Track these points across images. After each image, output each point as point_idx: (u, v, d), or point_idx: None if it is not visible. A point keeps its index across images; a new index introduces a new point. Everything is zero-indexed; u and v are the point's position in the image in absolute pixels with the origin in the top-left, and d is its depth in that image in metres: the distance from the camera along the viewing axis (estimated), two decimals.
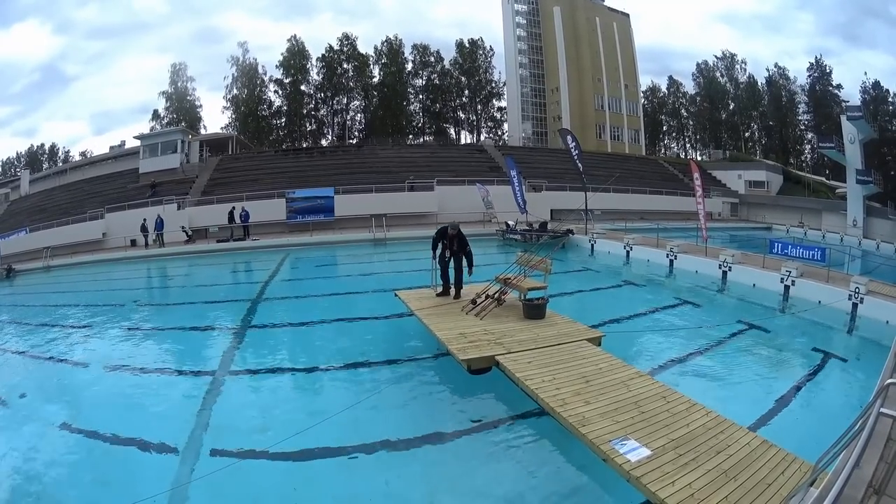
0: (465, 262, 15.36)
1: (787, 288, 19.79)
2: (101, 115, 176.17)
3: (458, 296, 15.33)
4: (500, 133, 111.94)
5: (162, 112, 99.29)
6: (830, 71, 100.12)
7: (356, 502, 7.74)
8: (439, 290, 15.64)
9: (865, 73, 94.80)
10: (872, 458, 5.37)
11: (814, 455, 5.49)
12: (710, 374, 12.42)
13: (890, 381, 5.36)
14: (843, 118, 53.47)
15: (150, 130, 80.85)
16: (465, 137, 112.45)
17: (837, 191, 64.76)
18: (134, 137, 66.80)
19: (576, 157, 41.65)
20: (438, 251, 15.64)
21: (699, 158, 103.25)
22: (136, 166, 61.93)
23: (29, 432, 10.26)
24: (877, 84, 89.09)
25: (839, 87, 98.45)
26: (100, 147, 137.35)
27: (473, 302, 14.10)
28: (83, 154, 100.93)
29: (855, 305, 17.14)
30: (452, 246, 15.27)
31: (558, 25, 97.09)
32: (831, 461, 5.12)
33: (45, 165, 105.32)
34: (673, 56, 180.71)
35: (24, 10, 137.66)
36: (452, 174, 57.20)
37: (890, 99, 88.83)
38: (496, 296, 14.35)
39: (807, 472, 5.80)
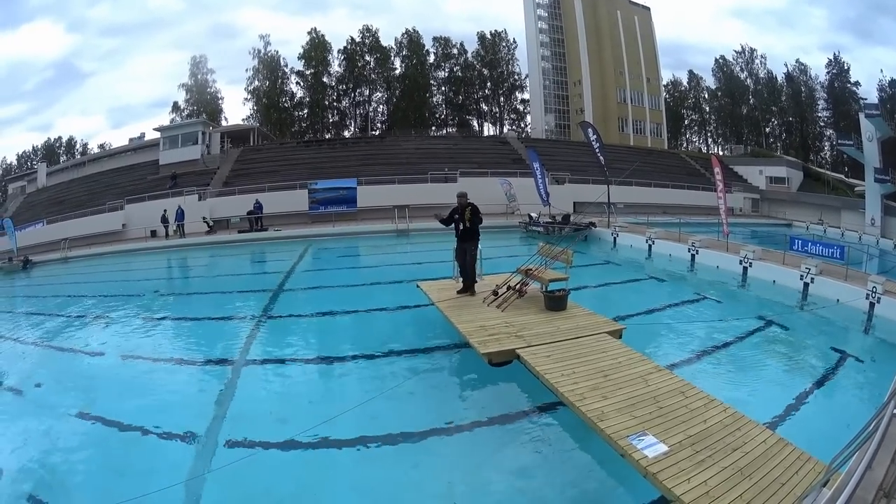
0: (477, 250, 15.36)
1: (806, 285, 19.70)
2: (118, 110, 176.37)
3: (472, 291, 15.20)
4: (522, 125, 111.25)
5: (182, 104, 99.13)
6: (848, 68, 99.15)
7: (374, 493, 7.80)
8: (460, 285, 15.54)
9: (882, 71, 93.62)
10: (885, 460, 5.36)
11: (828, 455, 5.53)
12: (728, 370, 12.42)
13: None
14: (861, 116, 52.76)
15: (170, 122, 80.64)
16: (488, 129, 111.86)
17: (856, 189, 63.97)
18: (154, 129, 66.89)
19: (597, 150, 41.73)
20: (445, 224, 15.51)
21: (721, 153, 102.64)
22: (155, 158, 62.11)
23: (47, 421, 10.39)
24: (894, 82, 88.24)
25: (857, 84, 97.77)
26: (118, 140, 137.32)
27: (495, 293, 14.18)
28: (102, 147, 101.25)
29: (872, 305, 17.04)
30: (463, 219, 15.01)
31: (580, 18, 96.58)
32: (844, 462, 5.12)
33: (62, 159, 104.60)
34: (688, 50, 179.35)
35: (35, 9, 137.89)
36: (475, 165, 57.17)
37: None
38: (518, 287, 14.38)
39: (820, 472, 5.79)
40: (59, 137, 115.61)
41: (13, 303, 25.84)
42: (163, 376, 12.92)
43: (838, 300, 17.95)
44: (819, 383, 11.62)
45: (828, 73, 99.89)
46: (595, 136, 42.48)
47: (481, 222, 15.19)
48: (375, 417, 9.66)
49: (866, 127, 51.14)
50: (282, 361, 13.55)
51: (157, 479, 7.73)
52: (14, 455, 9.07)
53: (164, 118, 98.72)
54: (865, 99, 72.36)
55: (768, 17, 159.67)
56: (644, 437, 7.09)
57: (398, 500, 7.65)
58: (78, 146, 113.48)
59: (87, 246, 42.18)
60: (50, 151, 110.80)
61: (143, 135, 75.56)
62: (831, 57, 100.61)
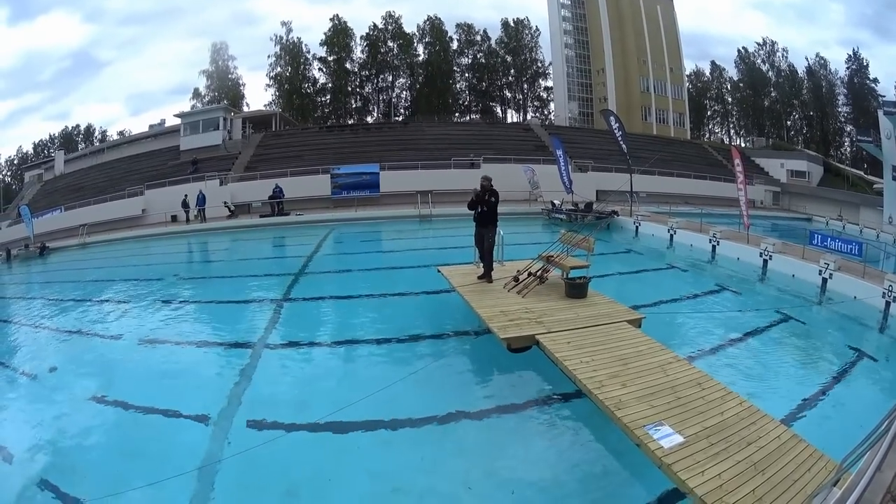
0: (496, 236, 15.36)
1: (824, 280, 19.65)
2: (137, 97, 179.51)
3: (489, 278, 15.14)
4: (546, 112, 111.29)
5: (203, 90, 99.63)
6: (867, 64, 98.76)
7: (391, 477, 7.87)
8: (481, 270, 15.56)
9: None
10: (894, 462, 5.42)
11: (839, 453, 5.57)
12: (745, 363, 12.41)
13: None
14: (880, 113, 52.37)
15: (191, 109, 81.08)
16: (512, 116, 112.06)
17: (875, 186, 63.60)
18: (174, 115, 67.08)
19: (619, 139, 41.78)
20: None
21: (742, 145, 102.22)
22: (176, 144, 62.61)
23: (65, 407, 10.55)
24: None
25: (875, 81, 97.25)
26: (137, 127, 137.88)
27: (516, 279, 14.24)
28: (121, 133, 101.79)
29: (888, 304, 16.91)
30: (487, 202, 14.97)
31: (602, 6, 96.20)
32: (855, 462, 5.14)
33: (80, 146, 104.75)
34: (710, 41, 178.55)
35: (51, 1, 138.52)
36: (499, 152, 56.97)
37: None
38: (539, 273, 14.41)
39: (832, 471, 5.81)
40: (77, 125, 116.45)
41: (29, 289, 26.16)
42: (182, 360, 13.12)
43: (855, 297, 17.90)
44: (834, 380, 11.60)
45: (847, 68, 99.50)
46: (618, 125, 42.47)
47: (497, 203, 15.16)
48: (393, 402, 9.74)
49: (885, 124, 50.78)
50: (302, 345, 13.68)
51: (173, 462, 7.86)
52: (29, 438, 9.24)
53: (185, 105, 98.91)
54: (884, 96, 71.83)
55: (788, 10, 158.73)
56: (661, 427, 7.12)
57: (413, 484, 7.71)
58: (97, 134, 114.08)
59: (106, 231, 42.59)
60: (67, 140, 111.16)
61: (163, 121, 75.98)
62: (850, 52, 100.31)
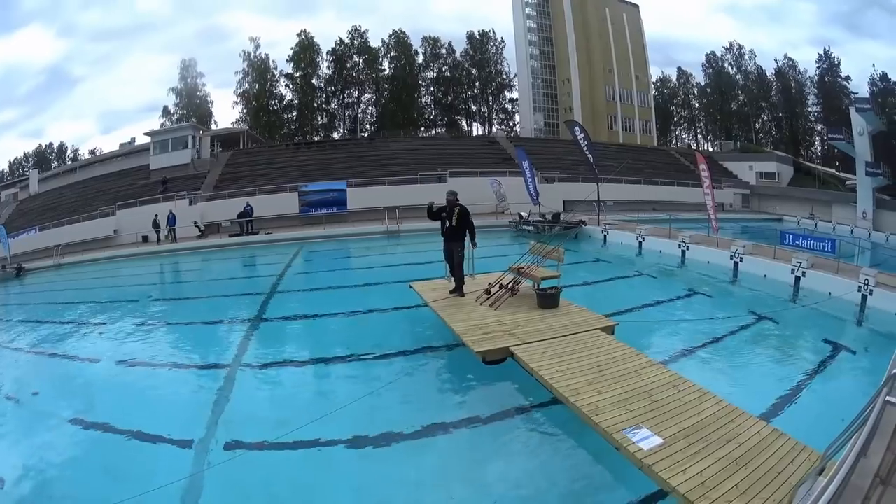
0: (465, 250, 15.30)
1: (797, 279, 19.82)
2: (108, 115, 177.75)
3: (460, 292, 15.16)
4: (511, 124, 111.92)
5: (172, 108, 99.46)
6: (839, 63, 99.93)
7: (371, 492, 7.83)
8: (452, 285, 15.54)
9: (874, 66, 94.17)
10: (880, 448, 5.41)
11: (822, 445, 5.56)
12: (721, 364, 12.50)
13: None
14: (852, 110, 53.21)
15: (161, 127, 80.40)
16: (477, 129, 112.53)
17: (847, 183, 64.52)
18: (144, 134, 67.07)
19: (585, 148, 41.85)
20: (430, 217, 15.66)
21: (710, 149, 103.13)
22: (146, 163, 62.13)
23: (43, 428, 10.39)
24: (885, 76, 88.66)
25: (847, 78, 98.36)
26: (108, 145, 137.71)
27: (487, 292, 14.22)
28: (93, 152, 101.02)
29: (864, 297, 17.14)
30: (451, 218, 15.07)
31: (568, 16, 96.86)
32: (839, 450, 5.17)
33: (53, 164, 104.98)
34: (676, 47, 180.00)
35: (28, 15, 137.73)
36: (465, 166, 57.15)
37: None
38: (510, 285, 14.42)
39: (815, 461, 5.86)
40: (51, 143, 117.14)
41: (8, 311, 25.80)
42: (159, 381, 12.93)
43: (830, 293, 18.09)
44: (812, 375, 11.68)
45: (818, 67, 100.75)
46: (583, 135, 42.62)
47: (470, 226, 15.25)
48: (371, 417, 9.71)
49: (857, 121, 51.65)
50: (277, 364, 13.53)
51: (156, 483, 7.73)
52: (12, 463, 9.07)
53: (155, 122, 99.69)
54: (856, 93, 72.95)
55: (759, 13, 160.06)
56: (639, 430, 7.16)
57: (395, 499, 7.68)
58: (69, 152, 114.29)
59: (80, 252, 42.32)
60: (42, 158, 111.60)
61: (133, 140, 76.13)
62: (821, 52, 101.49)
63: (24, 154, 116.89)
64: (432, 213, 15.49)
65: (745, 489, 5.83)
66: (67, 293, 28.52)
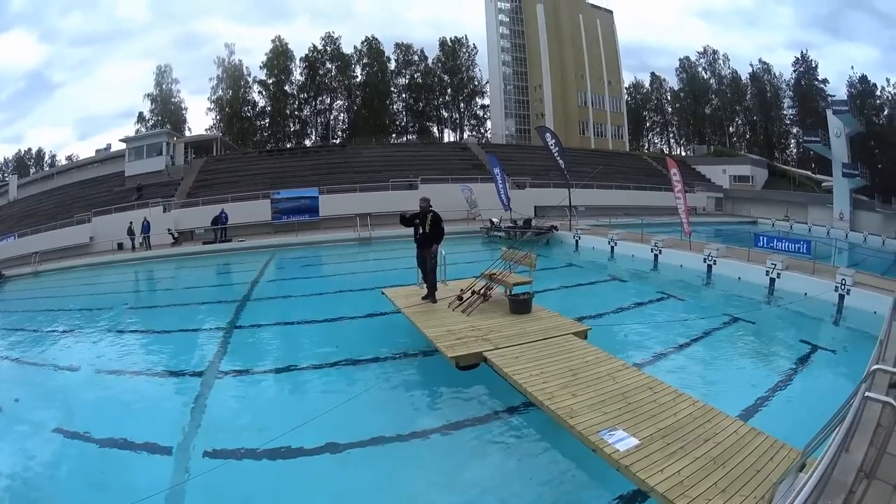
0: (434, 256, 15.27)
1: (772, 280, 19.94)
2: (85, 121, 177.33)
3: (433, 298, 15.13)
4: (483, 131, 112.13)
5: (147, 114, 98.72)
6: (816, 65, 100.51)
7: (349, 498, 7.80)
8: (424, 291, 15.53)
9: (853, 68, 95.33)
10: (862, 443, 5.41)
11: (804, 443, 5.52)
12: (696, 366, 12.57)
13: (876, 366, 5.41)
14: (829, 112, 53.93)
15: (136, 133, 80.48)
16: (449, 136, 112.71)
17: (823, 184, 65.19)
18: (119, 140, 66.61)
19: (556, 154, 41.93)
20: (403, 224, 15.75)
21: (683, 154, 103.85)
22: (121, 169, 61.81)
23: (22, 437, 10.26)
24: (864, 78, 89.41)
25: (825, 81, 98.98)
26: (85, 151, 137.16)
27: (460, 298, 14.20)
28: (69, 158, 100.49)
29: (842, 297, 17.28)
30: (424, 224, 15.12)
31: (541, 23, 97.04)
32: (819, 446, 5.15)
33: (32, 170, 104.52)
34: (649, 52, 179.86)
35: (13, 19, 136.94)
36: (436, 172, 57.29)
37: (878, 93, 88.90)
38: (482, 291, 14.37)
39: (795, 458, 5.83)
40: (30, 149, 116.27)
41: None
42: (137, 390, 12.79)
43: (806, 294, 18.22)
44: (790, 375, 11.75)
45: (794, 70, 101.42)
46: (553, 140, 42.85)
47: (442, 233, 15.35)
48: (348, 424, 9.66)
49: (834, 123, 52.31)
50: (253, 372, 13.48)
51: (137, 492, 7.66)
52: None
53: (130, 129, 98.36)
54: (833, 96, 73.98)
55: (734, 17, 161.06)
56: (615, 431, 7.15)
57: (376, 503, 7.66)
58: (47, 158, 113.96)
59: (58, 259, 41.98)
60: (21, 164, 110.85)
61: (109, 146, 75.35)
62: (798, 55, 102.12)
63: (4, 159, 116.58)
64: (405, 219, 15.55)
65: (725, 487, 5.81)
66: (46, 300, 28.31)
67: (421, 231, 15.16)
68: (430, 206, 15.30)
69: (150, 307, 24.71)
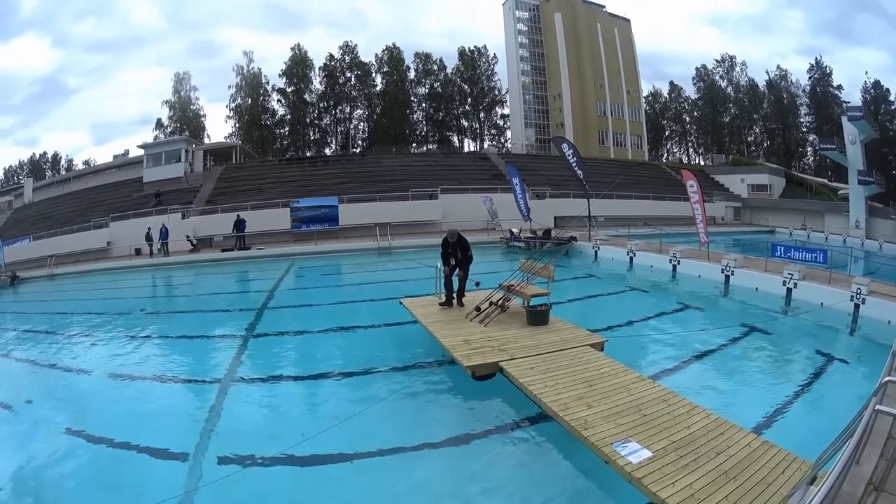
0: (467, 275, 15.69)
1: (789, 290, 19.87)
2: (102, 126, 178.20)
3: (461, 304, 15.53)
4: (503, 140, 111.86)
5: (165, 121, 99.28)
6: (831, 72, 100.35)
7: None
8: (443, 299, 15.76)
9: (867, 73, 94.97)
10: (873, 456, 5.41)
11: (817, 455, 5.54)
12: (712, 378, 12.47)
13: (888, 378, 5.43)
14: (844, 119, 53.43)
15: (154, 139, 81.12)
16: (469, 145, 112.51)
17: (840, 192, 64.85)
18: (138, 146, 67.39)
19: (574, 165, 41.97)
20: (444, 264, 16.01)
21: (702, 163, 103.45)
22: (139, 175, 61.96)
23: (37, 440, 10.30)
24: (877, 84, 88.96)
25: (839, 87, 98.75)
26: (102, 157, 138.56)
27: (478, 309, 14.23)
28: (86, 163, 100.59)
29: (857, 306, 17.20)
30: (456, 254, 15.48)
31: (559, 32, 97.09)
32: (830, 459, 5.16)
33: (48, 174, 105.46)
34: (664, 61, 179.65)
35: (23, 24, 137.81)
36: (456, 182, 57.22)
37: (891, 98, 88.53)
38: (500, 302, 14.41)
39: (807, 470, 5.83)
40: (45, 153, 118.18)
41: (2, 319, 25.69)
42: (152, 394, 12.85)
43: (822, 304, 18.11)
44: (805, 386, 11.69)
45: (810, 77, 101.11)
46: (571, 151, 42.82)
47: (469, 248, 15.70)
48: (363, 433, 9.67)
49: (849, 130, 51.87)
50: (269, 379, 13.48)
51: (149, 496, 7.70)
52: (5, 473, 9.00)
53: (147, 135, 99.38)
54: (848, 102, 73.21)
55: (745, 23, 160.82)
56: (628, 443, 7.16)
57: None
58: (63, 162, 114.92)
59: (74, 263, 42.34)
60: (36, 167, 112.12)
61: (126, 152, 75.95)
62: (812, 62, 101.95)
63: (20, 162, 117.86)
64: (445, 260, 16.00)
65: (736, 500, 5.81)
66: (61, 304, 28.54)
67: (452, 262, 15.63)
68: (456, 234, 15.75)
69: (167, 312, 24.95)
